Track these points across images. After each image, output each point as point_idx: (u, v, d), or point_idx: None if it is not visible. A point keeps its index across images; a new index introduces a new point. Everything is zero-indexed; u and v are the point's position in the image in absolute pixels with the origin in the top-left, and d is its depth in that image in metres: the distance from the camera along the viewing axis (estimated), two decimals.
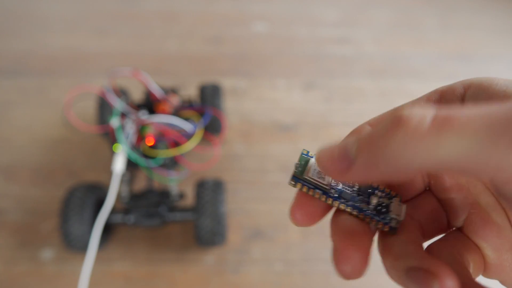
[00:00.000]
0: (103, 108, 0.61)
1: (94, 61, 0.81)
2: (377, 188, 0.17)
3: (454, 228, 0.17)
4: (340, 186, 0.16)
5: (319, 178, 0.16)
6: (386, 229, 0.16)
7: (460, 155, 0.11)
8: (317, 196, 0.16)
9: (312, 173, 0.16)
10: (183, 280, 0.53)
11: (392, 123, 0.12)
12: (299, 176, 0.16)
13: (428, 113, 0.12)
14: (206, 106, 0.62)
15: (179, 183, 0.60)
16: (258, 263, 0.55)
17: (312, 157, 0.17)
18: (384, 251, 0.16)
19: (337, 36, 0.88)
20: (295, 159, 0.17)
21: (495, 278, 0.16)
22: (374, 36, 0.89)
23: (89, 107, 0.67)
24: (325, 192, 0.16)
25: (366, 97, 0.76)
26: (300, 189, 0.16)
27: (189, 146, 0.56)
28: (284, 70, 0.81)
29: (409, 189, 0.17)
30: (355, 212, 0.16)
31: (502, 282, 0.16)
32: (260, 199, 0.61)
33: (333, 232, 0.16)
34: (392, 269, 0.15)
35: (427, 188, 0.18)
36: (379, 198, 0.16)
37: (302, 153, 0.17)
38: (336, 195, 0.16)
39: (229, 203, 0.60)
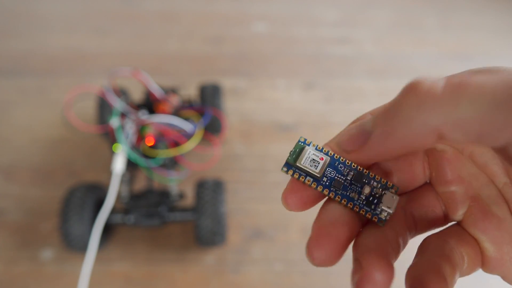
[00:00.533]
0: (103, 108, 0.61)
1: (94, 61, 0.81)
2: (373, 178, 0.16)
3: (453, 223, 0.17)
4: (333, 175, 0.16)
5: (311, 166, 0.16)
6: (375, 219, 0.16)
7: (477, 117, 0.11)
8: (307, 183, 0.16)
9: (305, 161, 0.16)
10: (183, 280, 0.53)
11: (405, 90, 0.12)
12: (291, 163, 0.16)
13: (440, 78, 0.12)
14: (206, 106, 0.62)
15: (179, 183, 0.60)
16: (258, 263, 0.55)
17: (308, 145, 0.17)
18: (354, 240, 0.16)
19: (337, 36, 0.88)
20: None
21: (495, 273, 0.16)
22: (374, 36, 0.89)
23: (89, 107, 0.67)
24: (316, 179, 0.16)
25: (366, 97, 0.76)
26: (292, 176, 0.16)
27: (189, 146, 0.56)
28: (284, 70, 0.81)
29: (409, 181, 0.17)
30: (344, 202, 0.16)
31: (503, 277, 0.16)
32: (260, 199, 0.61)
33: (316, 218, 0.16)
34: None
35: (427, 181, 0.18)
36: (372, 189, 0.16)
37: (299, 141, 0.17)
38: (328, 183, 0.16)
39: (229, 203, 0.60)
